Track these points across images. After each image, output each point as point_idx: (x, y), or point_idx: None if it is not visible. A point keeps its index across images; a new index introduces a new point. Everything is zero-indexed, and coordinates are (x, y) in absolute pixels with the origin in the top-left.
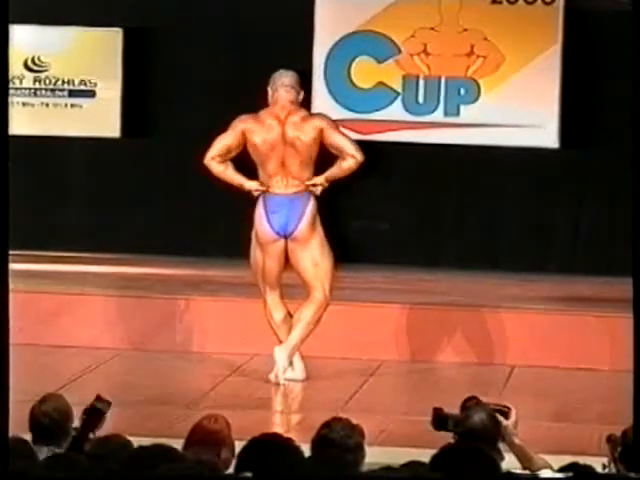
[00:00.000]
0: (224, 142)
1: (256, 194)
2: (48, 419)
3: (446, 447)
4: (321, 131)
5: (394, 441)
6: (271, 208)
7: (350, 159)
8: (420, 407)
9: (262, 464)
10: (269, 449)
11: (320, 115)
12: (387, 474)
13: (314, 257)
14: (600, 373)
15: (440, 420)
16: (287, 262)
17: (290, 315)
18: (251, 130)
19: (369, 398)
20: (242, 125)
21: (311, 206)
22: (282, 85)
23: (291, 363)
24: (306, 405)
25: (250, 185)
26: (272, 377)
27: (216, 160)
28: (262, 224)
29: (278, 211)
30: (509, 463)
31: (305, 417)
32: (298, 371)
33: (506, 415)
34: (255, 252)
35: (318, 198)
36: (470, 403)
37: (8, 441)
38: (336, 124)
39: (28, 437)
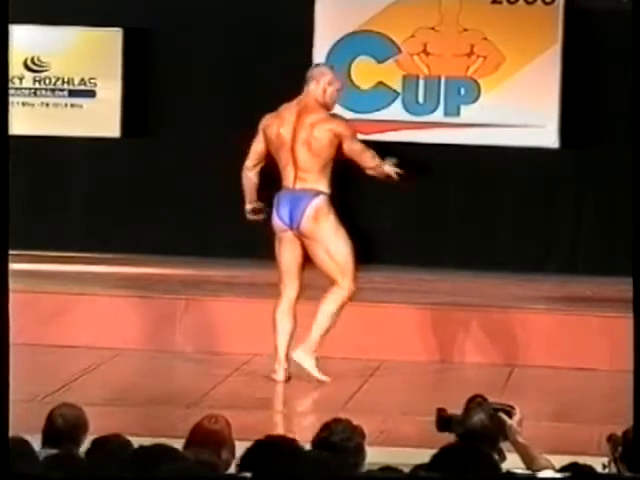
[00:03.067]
0: (253, 148)
1: (248, 217)
2: (62, 420)
3: (446, 447)
4: (339, 136)
5: (394, 441)
6: (279, 202)
7: (370, 171)
8: (420, 407)
9: (266, 466)
10: (274, 451)
11: (339, 119)
12: (387, 474)
13: (327, 250)
14: (600, 373)
15: (443, 421)
16: (306, 257)
17: (294, 325)
18: (268, 125)
19: (369, 398)
20: (262, 124)
21: (315, 202)
22: (306, 78)
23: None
24: (306, 405)
25: (246, 207)
26: (320, 375)
27: (248, 169)
28: (273, 216)
29: (284, 205)
30: (511, 463)
31: (305, 417)
32: (281, 372)
33: (510, 414)
34: (275, 246)
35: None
36: (472, 403)
37: (8, 441)
38: (354, 131)
39: (28, 437)
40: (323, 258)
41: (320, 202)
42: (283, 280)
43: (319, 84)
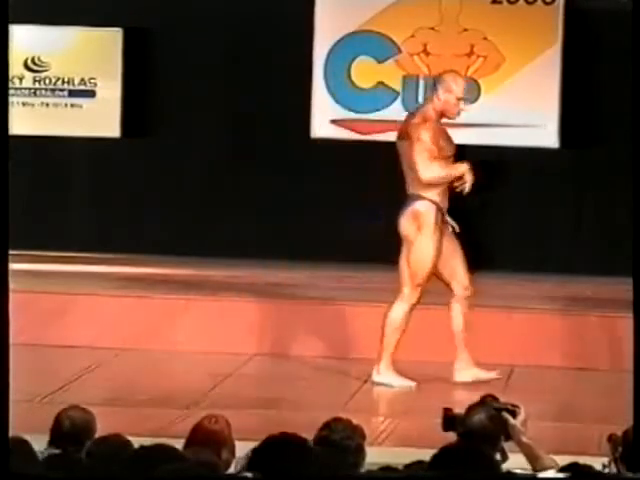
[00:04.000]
0: None
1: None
2: (69, 422)
3: (446, 447)
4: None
5: (394, 441)
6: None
7: (418, 176)
8: (420, 407)
9: (276, 464)
10: (283, 449)
11: (417, 124)
12: (387, 474)
13: (408, 256)
14: (600, 373)
15: (448, 421)
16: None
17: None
18: None
19: (369, 398)
20: None
21: (413, 206)
22: None
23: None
24: (306, 405)
25: None
26: (404, 382)
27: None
28: None
29: (401, 210)
30: (515, 463)
31: (305, 417)
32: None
33: (514, 414)
34: None
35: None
36: (473, 403)
37: (8, 441)
38: (419, 140)
39: (28, 437)
40: (402, 262)
41: (418, 207)
42: None
43: (437, 92)
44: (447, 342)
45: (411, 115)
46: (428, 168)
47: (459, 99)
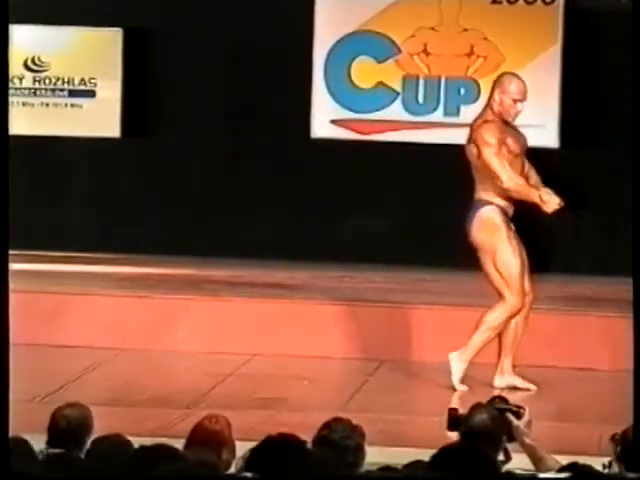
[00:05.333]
0: None
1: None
2: (65, 421)
3: (445, 447)
4: (477, 145)
5: (394, 441)
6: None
7: (499, 182)
8: (420, 407)
9: (273, 465)
10: (280, 450)
11: (482, 127)
12: (387, 474)
13: (493, 262)
14: (600, 373)
15: (454, 421)
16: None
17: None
18: None
19: (369, 398)
20: None
21: (481, 212)
22: None
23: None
24: (306, 405)
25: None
26: (459, 385)
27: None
28: None
29: (467, 216)
30: (517, 463)
31: (305, 417)
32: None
33: (519, 415)
34: None
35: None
36: (476, 403)
37: (8, 441)
38: (486, 144)
39: (28, 437)
40: (490, 271)
41: (487, 213)
42: None
43: (494, 94)
44: (446, 342)
45: (475, 120)
46: (511, 178)
47: (515, 100)
